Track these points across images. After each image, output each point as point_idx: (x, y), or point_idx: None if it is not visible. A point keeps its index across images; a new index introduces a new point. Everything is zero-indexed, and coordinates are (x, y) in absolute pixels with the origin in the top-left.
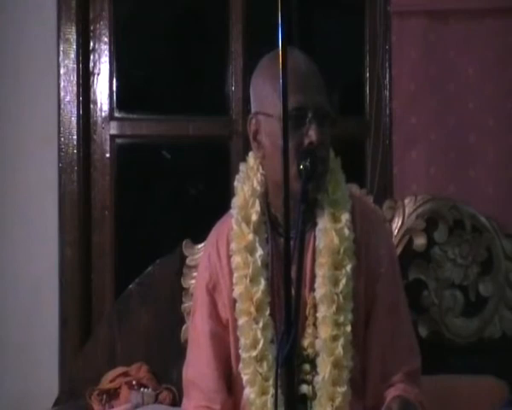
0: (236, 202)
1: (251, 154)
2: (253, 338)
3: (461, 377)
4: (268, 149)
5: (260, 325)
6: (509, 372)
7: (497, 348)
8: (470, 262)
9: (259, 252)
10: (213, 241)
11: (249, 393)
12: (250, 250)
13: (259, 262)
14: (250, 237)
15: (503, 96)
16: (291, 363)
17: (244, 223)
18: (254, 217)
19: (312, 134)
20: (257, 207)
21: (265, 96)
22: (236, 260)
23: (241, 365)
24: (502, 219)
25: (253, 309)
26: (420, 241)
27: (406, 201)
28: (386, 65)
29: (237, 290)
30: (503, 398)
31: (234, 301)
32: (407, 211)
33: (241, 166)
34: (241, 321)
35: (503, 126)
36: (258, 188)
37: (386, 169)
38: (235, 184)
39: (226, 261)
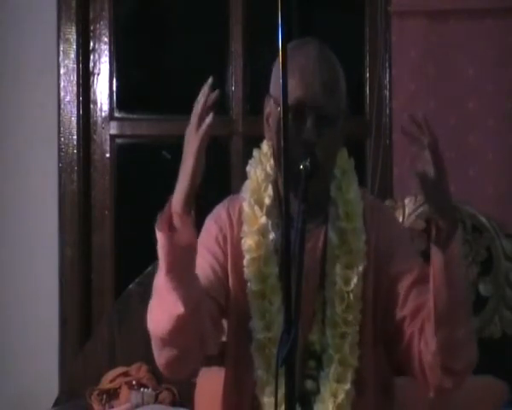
0: (249, 185)
1: (265, 141)
2: (268, 320)
3: None
4: (272, 133)
5: (275, 307)
6: (509, 372)
7: (497, 348)
8: (470, 262)
9: (272, 235)
10: (225, 206)
11: (262, 375)
12: (262, 233)
13: (272, 245)
14: (263, 219)
15: (503, 96)
16: (291, 362)
17: (257, 206)
18: (267, 200)
19: (307, 132)
20: (269, 191)
21: (276, 82)
22: (248, 242)
23: (253, 346)
24: (502, 219)
25: (267, 291)
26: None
27: (406, 201)
28: (386, 65)
29: (250, 272)
30: (503, 398)
31: (239, 256)
32: (407, 211)
33: (254, 152)
34: (255, 303)
35: (503, 126)
36: (271, 173)
37: (387, 169)
38: (248, 168)
39: (237, 230)
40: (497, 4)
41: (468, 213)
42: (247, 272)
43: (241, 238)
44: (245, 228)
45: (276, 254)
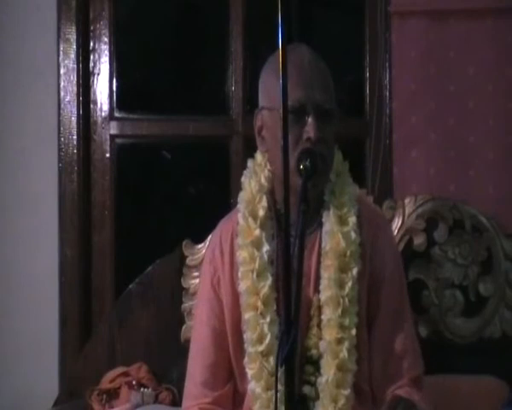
0: (243, 196)
1: (259, 151)
2: (259, 333)
3: (461, 377)
4: (270, 143)
5: (267, 319)
6: (509, 372)
7: (497, 348)
8: (470, 262)
9: (266, 247)
10: (217, 236)
11: (255, 388)
12: (257, 245)
13: (266, 257)
14: (257, 232)
15: (503, 96)
16: (291, 363)
17: (251, 218)
18: (261, 212)
19: (310, 129)
20: (264, 202)
21: (269, 91)
22: (243, 254)
23: (246, 359)
24: (502, 219)
25: (259, 304)
26: (420, 241)
27: (406, 201)
28: (386, 65)
29: (243, 285)
30: (503, 398)
31: (233, 299)
32: (407, 211)
33: (249, 163)
34: (248, 315)
35: (503, 126)
36: (266, 184)
37: (387, 169)
38: (242, 179)
39: (228, 259)
40: (497, 4)
41: (468, 213)
42: (241, 284)
43: (233, 274)
44: (239, 240)
45: (271, 266)
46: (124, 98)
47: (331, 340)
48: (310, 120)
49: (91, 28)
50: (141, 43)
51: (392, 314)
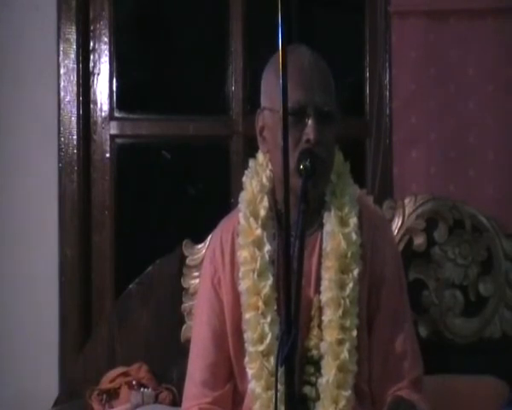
0: (244, 196)
1: (260, 151)
2: (260, 333)
3: (461, 377)
4: (270, 144)
5: (268, 319)
6: (509, 372)
7: (497, 348)
8: (470, 262)
9: (267, 247)
10: (218, 236)
11: (255, 387)
12: (258, 245)
13: (267, 257)
14: (258, 231)
15: (503, 96)
16: (291, 363)
17: (252, 218)
18: (262, 212)
19: (310, 131)
20: (265, 202)
21: (271, 92)
22: (243, 254)
23: (246, 359)
24: (502, 219)
25: (260, 304)
26: (420, 241)
27: (406, 201)
28: (386, 65)
29: (244, 285)
30: (503, 398)
31: (233, 299)
32: (407, 211)
33: (250, 162)
34: (248, 315)
35: (503, 126)
36: (267, 184)
37: (387, 169)
38: (244, 179)
39: (229, 259)
40: (497, 4)
41: (468, 213)
42: (242, 284)
43: (234, 274)
44: (240, 240)
45: (272, 266)
46: (124, 98)
47: (332, 341)
48: (310, 121)
49: (91, 28)
50: (141, 43)
51: (393, 315)
